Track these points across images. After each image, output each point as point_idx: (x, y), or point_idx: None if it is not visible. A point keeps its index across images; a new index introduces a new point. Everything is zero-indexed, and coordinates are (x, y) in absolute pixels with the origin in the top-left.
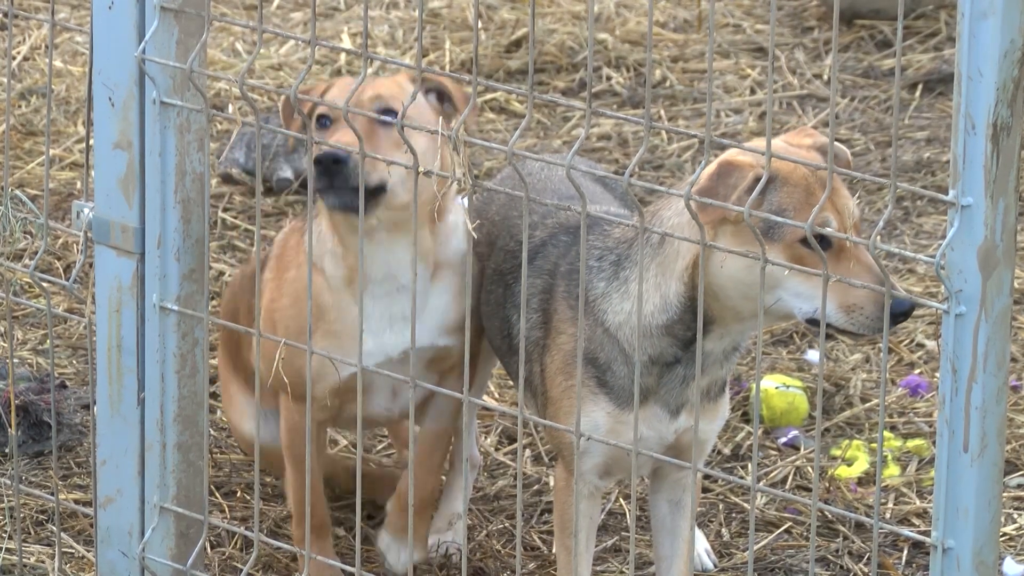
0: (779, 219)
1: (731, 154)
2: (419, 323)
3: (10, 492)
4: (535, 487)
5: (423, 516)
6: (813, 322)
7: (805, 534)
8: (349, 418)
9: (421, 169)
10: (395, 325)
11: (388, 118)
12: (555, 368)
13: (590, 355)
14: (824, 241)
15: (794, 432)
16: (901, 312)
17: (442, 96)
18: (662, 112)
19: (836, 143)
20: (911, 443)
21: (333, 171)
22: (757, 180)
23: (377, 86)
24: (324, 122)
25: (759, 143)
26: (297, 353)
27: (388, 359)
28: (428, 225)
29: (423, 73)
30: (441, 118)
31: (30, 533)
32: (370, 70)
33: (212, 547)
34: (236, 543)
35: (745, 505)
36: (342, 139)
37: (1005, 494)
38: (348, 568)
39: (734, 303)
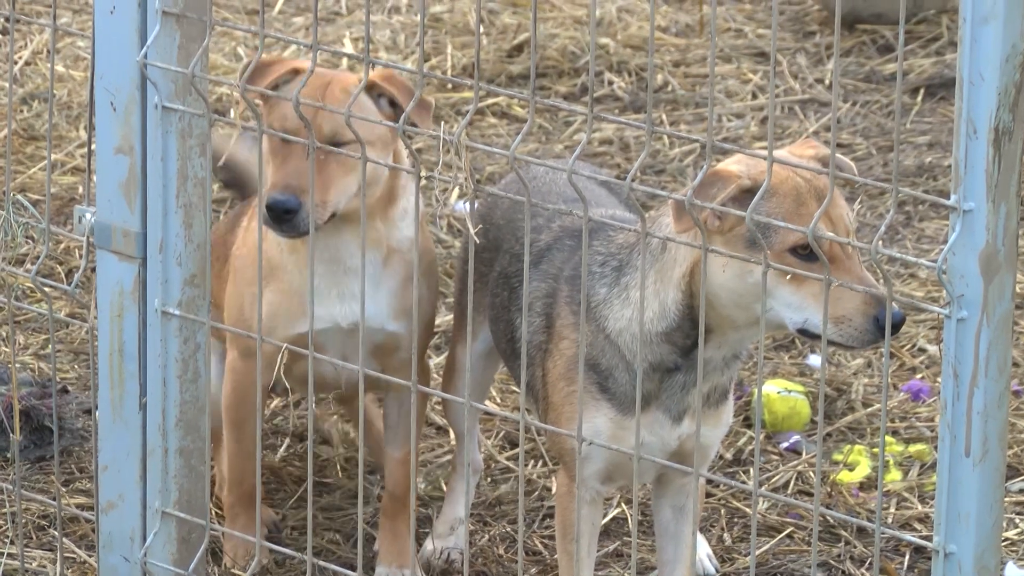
0: (779, 223)
1: (723, 164)
2: (371, 303)
3: (12, 497)
4: (537, 492)
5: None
6: (804, 332)
7: (807, 539)
8: (299, 376)
9: (425, 174)
10: (345, 300)
11: (344, 152)
12: (557, 373)
13: (591, 361)
14: (813, 253)
15: (796, 437)
16: (893, 324)
17: (395, 102)
18: (664, 117)
19: (842, 157)
20: (913, 448)
21: (284, 219)
22: (742, 190)
23: (328, 113)
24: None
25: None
26: (247, 305)
27: (336, 326)
28: (379, 214)
29: (372, 80)
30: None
31: (32, 538)
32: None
33: (213, 552)
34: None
35: (747, 510)
36: (290, 178)
37: (1007, 499)
38: (343, 570)
39: (728, 311)
